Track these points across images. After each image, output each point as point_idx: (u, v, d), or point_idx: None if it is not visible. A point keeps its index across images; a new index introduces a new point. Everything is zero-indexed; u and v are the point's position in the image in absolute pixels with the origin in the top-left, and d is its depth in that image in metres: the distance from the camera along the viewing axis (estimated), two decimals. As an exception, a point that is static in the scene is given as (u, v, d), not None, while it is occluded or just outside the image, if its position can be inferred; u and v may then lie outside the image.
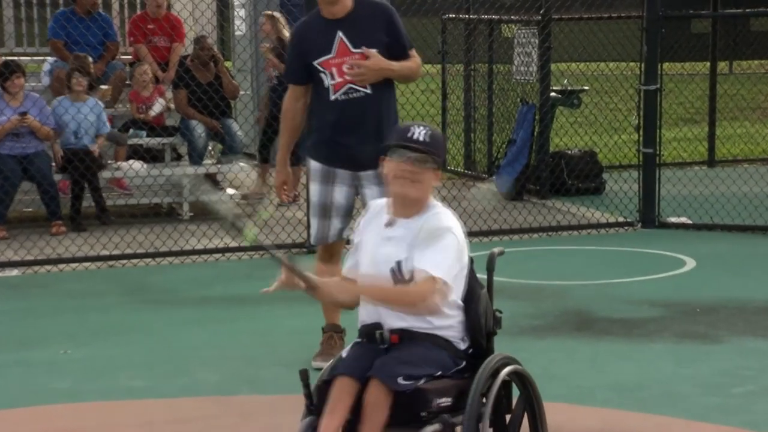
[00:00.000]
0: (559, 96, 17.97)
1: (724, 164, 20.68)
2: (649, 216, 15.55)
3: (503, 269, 6.49)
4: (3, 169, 14.04)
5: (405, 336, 5.43)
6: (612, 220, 15.68)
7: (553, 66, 17.76)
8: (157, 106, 16.10)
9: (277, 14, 16.99)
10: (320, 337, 8.68)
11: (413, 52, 8.34)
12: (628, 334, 9.69)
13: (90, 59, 15.66)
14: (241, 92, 17.43)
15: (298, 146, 16.61)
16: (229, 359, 9.25)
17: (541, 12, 16.92)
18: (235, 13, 20.06)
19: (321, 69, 7.87)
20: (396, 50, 8.13)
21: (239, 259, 13.65)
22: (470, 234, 6.60)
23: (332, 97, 7.91)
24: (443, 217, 5.57)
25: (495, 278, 6.06)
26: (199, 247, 14.03)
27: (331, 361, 5.72)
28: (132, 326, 10.56)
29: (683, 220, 15.61)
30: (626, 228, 15.45)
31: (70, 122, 14.85)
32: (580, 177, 17.25)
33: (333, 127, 8.03)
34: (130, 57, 17.59)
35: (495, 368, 5.56)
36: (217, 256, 13.65)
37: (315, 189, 8.20)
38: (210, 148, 16.84)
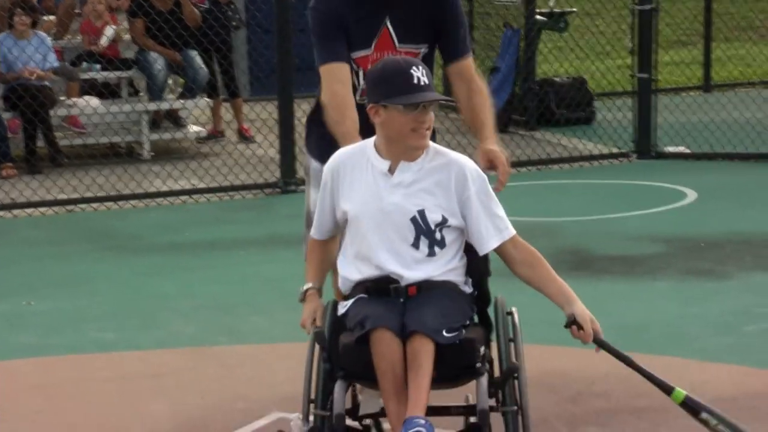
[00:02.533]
0: (545, 19, 17.91)
1: (721, 89, 20.78)
2: (645, 146, 15.68)
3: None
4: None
5: (423, 286, 5.15)
6: (605, 151, 15.84)
7: (538, -14, 17.84)
8: (105, 37, 16.02)
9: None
10: (300, 285, 8.53)
11: (470, 60, 6.33)
12: (630, 273, 9.82)
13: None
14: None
15: (232, 79, 16.90)
16: (203, 309, 9.29)
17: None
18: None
19: (355, 66, 6.05)
20: (450, 52, 6.21)
21: (208, 201, 13.74)
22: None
23: (356, 98, 6.06)
24: (460, 159, 5.29)
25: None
26: (164, 188, 14.08)
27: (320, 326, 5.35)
28: (97, 276, 10.61)
29: (681, 149, 15.74)
30: (621, 159, 15.58)
31: (14, 62, 14.87)
32: (569, 106, 17.33)
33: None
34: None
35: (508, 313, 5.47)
36: (184, 198, 13.69)
37: (314, 195, 6.19)
38: (170, 82, 16.83)
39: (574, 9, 18.98)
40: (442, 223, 5.15)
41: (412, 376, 4.90)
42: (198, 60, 16.55)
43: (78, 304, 9.67)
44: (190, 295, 9.72)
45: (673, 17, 19.77)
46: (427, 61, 5.92)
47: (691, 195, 13.17)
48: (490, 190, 5.26)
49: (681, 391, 5.21)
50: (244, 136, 16.89)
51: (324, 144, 6.12)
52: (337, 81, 5.97)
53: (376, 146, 5.23)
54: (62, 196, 13.66)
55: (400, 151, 5.14)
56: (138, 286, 10.21)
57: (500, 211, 5.22)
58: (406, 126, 5.02)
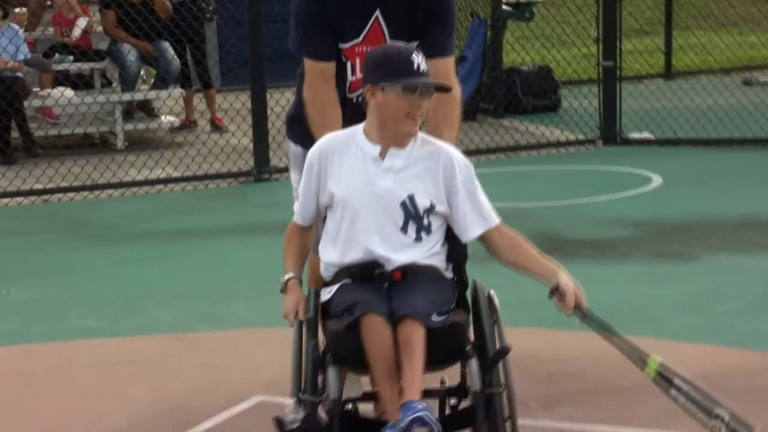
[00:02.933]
0: (511, 9, 17.94)
1: (682, 76, 20.94)
2: (610, 132, 15.82)
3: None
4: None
5: (408, 271, 5.06)
6: (572, 138, 15.94)
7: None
8: (77, 29, 16.03)
9: None
10: (276, 272, 8.44)
11: (450, 61, 5.96)
12: (600, 256, 9.90)
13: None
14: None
15: (205, 70, 16.90)
16: (182, 296, 9.31)
17: None
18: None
19: (344, 57, 5.73)
20: (432, 48, 5.66)
21: (182, 190, 13.76)
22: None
23: (346, 94, 5.82)
24: (447, 147, 5.24)
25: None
26: (139, 178, 14.10)
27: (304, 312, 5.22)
28: (75, 265, 10.60)
29: (646, 135, 15.86)
30: (587, 146, 15.69)
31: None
32: (536, 94, 17.42)
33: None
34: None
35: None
36: (159, 187, 13.73)
37: (297, 179, 5.92)
38: (142, 73, 16.83)
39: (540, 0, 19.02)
40: (430, 209, 5.09)
41: (406, 360, 4.83)
42: (170, 51, 16.58)
43: (57, 292, 9.64)
44: (169, 282, 9.74)
45: (636, 6, 19.82)
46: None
47: (657, 180, 13.27)
48: (476, 178, 5.20)
49: (656, 359, 5.20)
50: (216, 126, 16.97)
51: (297, 125, 6.06)
52: (323, 80, 5.73)
53: (365, 131, 5.15)
54: (38, 186, 13.61)
55: (391, 136, 5.06)
56: (116, 275, 10.18)
57: (485, 200, 5.19)
58: (402, 110, 4.94)
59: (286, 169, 13.17)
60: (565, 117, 16.59)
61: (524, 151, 15.34)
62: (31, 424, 6.47)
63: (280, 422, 4.88)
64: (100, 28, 16.50)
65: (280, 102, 13.75)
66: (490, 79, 17.45)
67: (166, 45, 16.49)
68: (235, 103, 15.74)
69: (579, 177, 14.08)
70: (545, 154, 15.37)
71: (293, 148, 6.14)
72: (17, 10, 16.59)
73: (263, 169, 13.96)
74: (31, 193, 13.44)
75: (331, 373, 4.96)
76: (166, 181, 13.84)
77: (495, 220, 5.17)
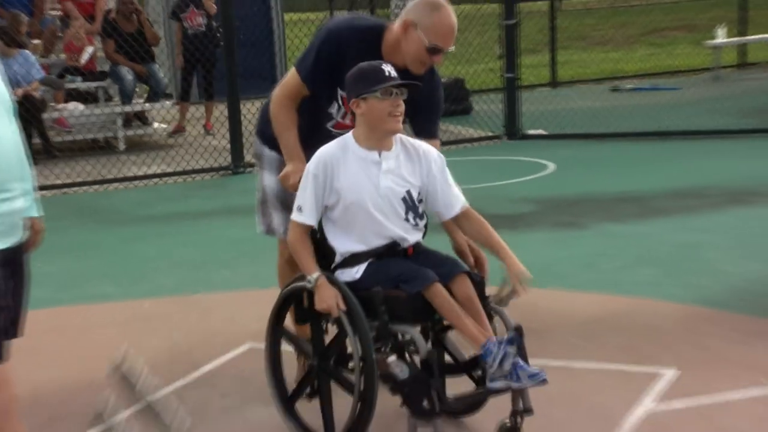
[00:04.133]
0: None
1: (564, 85, 21.14)
2: (512, 130, 15.93)
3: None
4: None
5: (417, 248, 5.06)
6: (482, 134, 15.97)
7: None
8: (86, 55, 16.02)
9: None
10: (255, 245, 8.27)
11: (437, 144, 5.65)
12: (514, 227, 9.87)
13: (24, 17, 15.61)
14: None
15: (210, 85, 16.89)
16: (180, 266, 9.31)
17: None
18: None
19: (339, 101, 5.57)
20: (422, 131, 5.64)
21: (174, 182, 13.70)
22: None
23: (327, 125, 5.68)
24: (423, 145, 5.16)
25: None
26: (139, 173, 14.03)
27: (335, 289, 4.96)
28: (90, 244, 10.57)
29: (540, 131, 16.00)
30: (495, 140, 15.77)
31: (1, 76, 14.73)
32: (453, 101, 17.37)
33: (310, 138, 5.59)
34: (59, 12, 17.37)
35: None
36: (155, 180, 13.69)
37: (271, 180, 5.96)
38: (137, 89, 16.78)
39: None
40: (420, 200, 5.06)
41: (474, 310, 4.83)
42: (159, 72, 16.56)
43: (79, 265, 9.64)
44: (168, 255, 9.72)
45: (527, 32, 19.93)
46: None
47: (551, 166, 13.36)
48: (447, 168, 5.14)
49: None
50: (207, 131, 16.90)
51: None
52: (297, 92, 5.54)
53: (356, 140, 5.00)
54: (57, 182, 13.56)
55: (379, 136, 4.95)
56: (125, 251, 10.17)
57: (455, 186, 5.13)
58: (384, 111, 4.82)
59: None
60: (477, 118, 16.65)
61: (445, 146, 15.34)
62: (65, 370, 6.43)
63: (391, 376, 4.73)
64: (102, 54, 16.42)
65: (250, 110, 13.73)
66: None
67: (155, 66, 16.46)
68: (215, 112, 15.94)
69: (490, 165, 14.05)
70: (462, 148, 15.39)
71: (268, 152, 5.97)
72: (34, 41, 16.46)
73: (239, 164, 13.95)
74: (52, 187, 13.32)
75: (413, 331, 4.84)
76: (161, 175, 13.79)
77: (464, 202, 5.13)
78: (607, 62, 24.50)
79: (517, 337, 4.73)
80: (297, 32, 15.52)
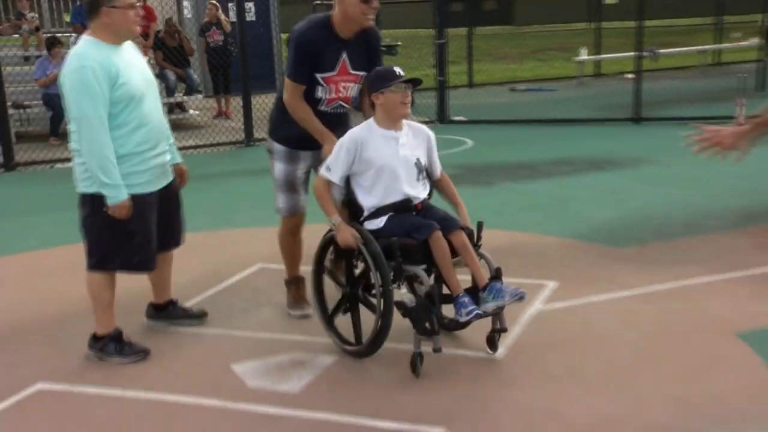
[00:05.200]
0: (384, 47, 17.78)
1: (478, 86, 21.08)
2: (442, 116, 15.82)
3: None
4: (56, 102, 13.72)
5: (425, 204, 5.05)
6: (423, 120, 15.76)
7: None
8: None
9: (216, 3, 16.81)
10: (262, 196, 8.19)
11: None
12: (442, 185, 9.76)
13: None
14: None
15: (228, 83, 16.81)
16: (210, 211, 9.13)
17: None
18: (185, 4, 19.69)
19: (322, 83, 5.33)
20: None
21: (204, 153, 13.42)
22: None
23: (321, 108, 5.41)
24: (421, 126, 5.22)
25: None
26: (179, 146, 13.58)
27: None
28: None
29: (461, 118, 15.86)
30: (430, 124, 15.46)
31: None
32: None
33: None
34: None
35: None
36: (191, 151, 13.28)
37: (281, 167, 5.67)
38: (178, 87, 16.59)
39: (399, 43, 18.88)
40: (425, 165, 5.11)
41: (469, 258, 4.82)
42: (193, 74, 16.39)
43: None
44: (201, 204, 9.42)
45: (452, 48, 19.87)
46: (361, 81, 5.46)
47: (470, 143, 13.25)
48: (435, 142, 5.24)
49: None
50: (226, 116, 16.64)
51: (287, 132, 5.58)
52: (300, 95, 5.34)
53: (377, 123, 4.95)
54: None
55: (394, 120, 4.94)
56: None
57: (437, 157, 5.26)
58: (397, 101, 4.85)
59: (264, 139, 13.21)
60: (419, 109, 16.46)
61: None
62: (140, 281, 6.27)
63: (402, 304, 4.72)
64: (153, 62, 16.22)
65: (258, 101, 13.61)
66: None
67: (191, 70, 16.27)
68: (233, 103, 15.73)
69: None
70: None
71: (277, 147, 5.68)
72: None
73: (250, 139, 13.72)
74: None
75: (419, 270, 4.75)
76: (194, 147, 13.49)
77: (441, 169, 5.28)
78: (507, 71, 24.59)
79: (496, 278, 4.79)
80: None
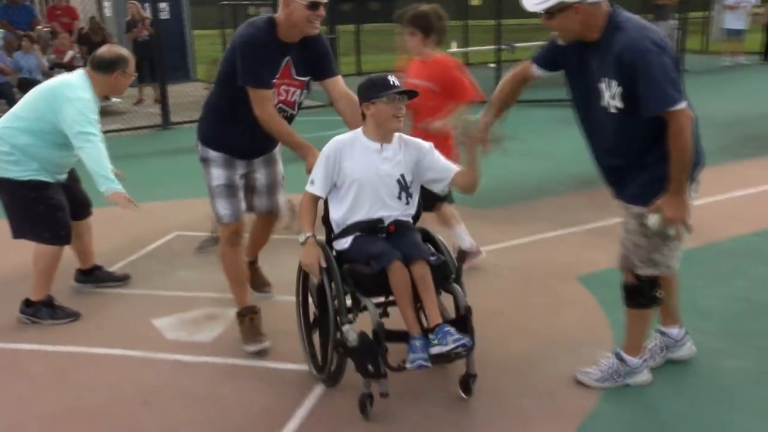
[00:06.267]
0: None
1: (366, 74, 20.79)
2: (334, 102, 15.52)
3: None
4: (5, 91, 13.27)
5: (398, 225, 3.99)
6: (321, 103, 15.56)
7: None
8: (68, 55, 15.19)
9: (136, 3, 16.08)
10: (179, 173, 7.99)
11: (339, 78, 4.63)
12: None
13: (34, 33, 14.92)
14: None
15: (153, 74, 16.36)
16: (134, 185, 8.61)
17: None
18: (105, 3, 19.10)
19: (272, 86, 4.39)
20: (325, 73, 4.52)
21: (127, 135, 12.98)
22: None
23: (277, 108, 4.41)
24: (413, 140, 4.11)
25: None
26: (104, 129, 13.16)
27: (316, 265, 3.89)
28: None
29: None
30: (324, 107, 15.42)
31: (22, 64, 14.08)
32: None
33: (250, 133, 4.46)
34: (50, 28, 16.47)
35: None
36: (115, 134, 12.60)
37: (218, 173, 4.58)
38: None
39: None
40: (413, 182, 4.02)
41: (426, 293, 3.77)
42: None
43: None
44: (124, 180, 9.16)
45: (343, 42, 19.85)
46: (308, 86, 4.55)
47: None
48: (434, 150, 4.10)
49: None
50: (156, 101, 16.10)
51: (221, 138, 4.55)
52: (272, 106, 4.29)
53: (364, 133, 3.99)
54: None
55: (384, 133, 3.95)
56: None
57: (443, 159, 4.09)
58: (389, 113, 3.88)
59: (179, 123, 13.04)
60: (313, 93, 16.27)
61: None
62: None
63: (342, 343, 3.75)
64: (79, 55, 15.63)
65: (172, 90, 13.33)
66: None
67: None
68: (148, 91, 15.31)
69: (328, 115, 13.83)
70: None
71: (213, 153, 4.56)
72: (34, 45, 15.49)
73: (167, 123, 13.27)
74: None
75: (369, 302, 3.78)
76: (119, 130, 12.91)
77: (453, 169, 4.08)
78: (389, 61, 24.43)
79: (464, 318, 3.82)
80: (200, 42, 14.96)
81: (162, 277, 5.89)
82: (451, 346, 3.64)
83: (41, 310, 5.12)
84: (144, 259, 6.34)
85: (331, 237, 4.10)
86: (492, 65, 16.24)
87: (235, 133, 4.46)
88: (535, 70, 4.08)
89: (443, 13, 5.47)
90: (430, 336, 3.70)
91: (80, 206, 5.50)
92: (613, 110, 3.61)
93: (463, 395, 4.00)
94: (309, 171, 4.12)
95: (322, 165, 3.98)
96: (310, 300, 4.25)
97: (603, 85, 3.60)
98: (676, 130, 3.45)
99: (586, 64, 3.71)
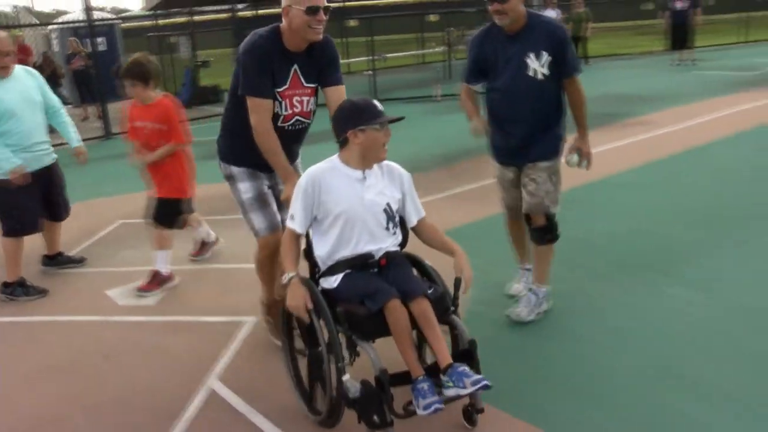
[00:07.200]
0: (200, 63, 17.01)
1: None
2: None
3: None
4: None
5: (388, 258, 3.08)
6: None
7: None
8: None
9: (75, 39, 15.44)
10: (121, 175, 7.74)
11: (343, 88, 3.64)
12: (328, 139, 9.47)
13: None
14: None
15: (92, 94, 15.73)
16: (82, 187, 8.33)
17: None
18: (53, 42, 18.28)
19: (279, 98, 3.50)
20: (332, 80, 3.61)
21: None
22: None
23: (279, 124, 3.53)
24: (395, 166, 3.21)
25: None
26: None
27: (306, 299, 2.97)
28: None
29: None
30: None
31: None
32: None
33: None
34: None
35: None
36: (66, 145, 12.45)
37: (246, 185, 3.70)
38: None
39: (212, 58, 18.16)
40: (397, 210, 3.15)
41: (430, 331, 2.88)
42: (64, 91, 15.21)
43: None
44: (76, 182, 8.60)
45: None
46: (317, 92, 3.67)
47: None
48: (413, 184, 3.24)
49: None
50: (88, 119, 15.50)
51: (241, 153, 3.65)
52: (268, 114, 3.45)
53: (344, 161, 3.08)
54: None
55: (370, 161, 3.07)
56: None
57: (417, 199, 3.25)
58: (380, 141, 3.02)
59: (117, 133, 12.34)
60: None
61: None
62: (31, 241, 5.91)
63: (344, 395, 2.86)
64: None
65: (111, 107, 12.78)
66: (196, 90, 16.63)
67: (62, 89, 15.06)
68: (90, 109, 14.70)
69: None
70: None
71: (236, 169, 3.70)
72: None
73: (108, 133, 12.85)
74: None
75: (369, 347, 2.86)
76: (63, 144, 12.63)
77: (423, 212, 3.26)
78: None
79: (463, 356, 2.93)
80: None
81: (111, 257, 5.86)
82: (471, 389, 2.76)
83: (17, 290, 5.09)
84: (96, 244, 6.27)
85: (315, 273, 3.19)
86: (368, 72, 16.42)
87: (253, 147, 3.54)
88: (474, 87, 4.07)
89: (150, 56, 4.91)
90: (443, 377, 2.82)
91: (61, 209, 5.45)
92: (540, 77, 3.80)
93: (467, 425, 3.08)
94: (286, 199, 3.33)
95: (300, 199, 3.07)
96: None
97: (529, 60, 3.79)
98: (580, 88, 3.88)
99: (508, 48, 3.84)
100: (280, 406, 3.37)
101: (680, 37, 17.51)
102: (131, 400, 3.56)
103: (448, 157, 8.76)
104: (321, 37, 3.51)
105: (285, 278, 2.99)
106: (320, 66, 3.60)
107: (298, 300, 2.95)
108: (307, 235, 3.19)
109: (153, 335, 4.29)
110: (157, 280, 4.97)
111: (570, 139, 4.02)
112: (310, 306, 2.95)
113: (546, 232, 4.03)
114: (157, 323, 4.48)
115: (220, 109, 15.72)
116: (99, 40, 16.74)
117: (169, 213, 4.99)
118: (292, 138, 3.64)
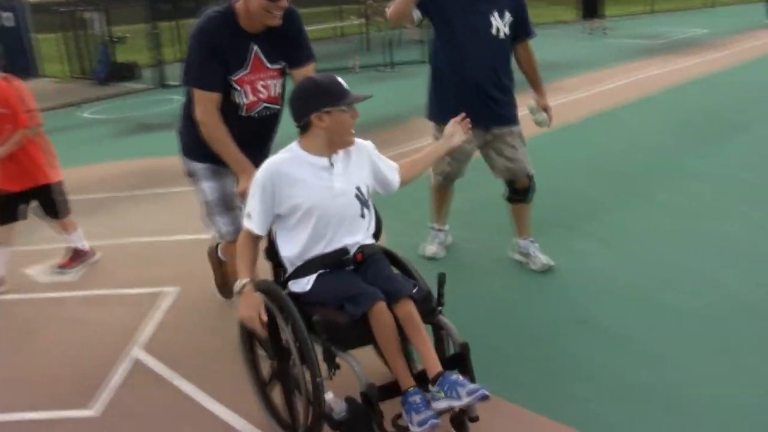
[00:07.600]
0: (116, 39, 16.18)
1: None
2: (162, 82, 14.63)
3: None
4: None
5: (365, 251, 2.68)
6: (148, 86, 14.68)
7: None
8: None
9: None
10: (73, 149, 7.31)
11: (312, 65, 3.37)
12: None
13: None
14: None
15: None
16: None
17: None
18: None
19: (235, 86, 3.13)
20: (301, 59, 3.29)
21: None
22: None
23: (243, 114, 3.20)
24: (358, 140, 2.78)
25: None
26: None
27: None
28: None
29: (176, 83, 14.40)
30: (155, 89, 14.68)
31: None
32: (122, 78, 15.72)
33: (238, 137, 3.16)
34: None
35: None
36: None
37: (210, 186, 3.37)
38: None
39: (128, 34, 17.47)
40: (368, 190, 2.74)
41: (416, 335, 2.50)
42: None
43: None
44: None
45: (166, 35, 18.89)
46: (284, 73, 3.32)
47: (179, 98, 12.57)
48: (376, 149, 2.85)
49: None
50: None
51: (204, 146, 3.19)
52: (214, 107, 3.09)
53: (305, 149, 2.65)
54: None
55: (336, 147, 2.67)
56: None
57: (386, 159, 2.88)
58: (348, 124, 2.64)
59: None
60: (145, 79, 15.59)
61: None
62: None
63: (328, 417, 2.46)
64: None
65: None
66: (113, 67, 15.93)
67: None
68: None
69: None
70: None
71: (198, 165, 3.37)
72: None
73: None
74: None
75: (352, 359, 2.47)
76: None
77: (395, 164, 2.91)
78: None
79: (455, 362, 2.57)
80: (48, 44, 13.68)
81: (27, 236, 5.70)
82: (467, 400, 2.38)
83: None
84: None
85: (281, 276, 2.78)
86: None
87: (196, 138, 3.23)
88: (414, 12, 3.99)
89: None
90: (432, 388, 2.46)
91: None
92: (502, 36, 3.93)
93: None
94: (241, 194, 3.01)
95: (258, 197, 2.64)
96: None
97: (493, 18, 3.90)
98: (532, 50, 4.10)
99: (475, 6, 3.91)
100: (202, 369, 3.43)
101: (591, 6, 18.14)
102: (57, 372, 3.58)
103: (366, 127, 8.84)
104: (280, 22, 3.12)
105: (238, 285, 2.59)
106: (284, 44, 3.21)
107: (251, 310, 2.57)
108: (269, 234, 2.76)
109: (76, 309, 4.28)
110: (78, 257, 4.93)
111: (528, 98, 4.21)
112: (264, 318, 2.57)
113: (530, 191, 4.23)
114: (80, 298, 4.46)
115: (137, 85, 15.39)
116: (6, 15, 16.06)
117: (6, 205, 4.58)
118: (261, 126, 3.30)
